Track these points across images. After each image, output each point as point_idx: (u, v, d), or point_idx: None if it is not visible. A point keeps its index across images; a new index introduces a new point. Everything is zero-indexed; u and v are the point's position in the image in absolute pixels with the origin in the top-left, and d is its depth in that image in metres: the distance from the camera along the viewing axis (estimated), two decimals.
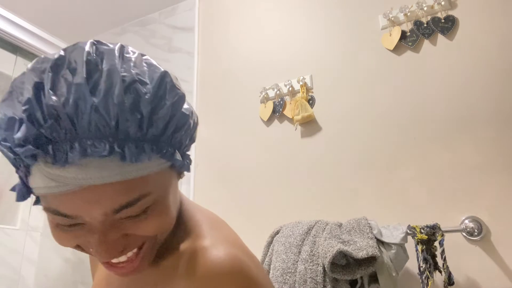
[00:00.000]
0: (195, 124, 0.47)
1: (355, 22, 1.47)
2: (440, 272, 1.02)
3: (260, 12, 1.72)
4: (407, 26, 1.36)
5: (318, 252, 1.06)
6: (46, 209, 0.40)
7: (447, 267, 1.01)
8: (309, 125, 1.45)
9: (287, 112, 1.50)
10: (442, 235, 1.02)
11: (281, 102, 1.52)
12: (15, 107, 0.36)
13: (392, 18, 1.38)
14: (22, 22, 1.14)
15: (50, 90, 0.35)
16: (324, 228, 1.12)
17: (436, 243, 1.03)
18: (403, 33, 1.35)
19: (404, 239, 1.04)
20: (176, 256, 0.48)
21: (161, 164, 0.42)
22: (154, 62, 0.42)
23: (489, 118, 1.16)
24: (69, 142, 0.35)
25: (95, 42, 0.39)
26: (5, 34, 1.09)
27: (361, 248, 0.99)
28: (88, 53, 0.37)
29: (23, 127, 0.34)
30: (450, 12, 1.30)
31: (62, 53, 0.38)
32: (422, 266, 1.00)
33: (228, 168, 1.58)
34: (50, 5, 2.00)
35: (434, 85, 1.27)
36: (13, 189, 0.42)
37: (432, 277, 1.00)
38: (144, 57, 0.42)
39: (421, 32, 1.32)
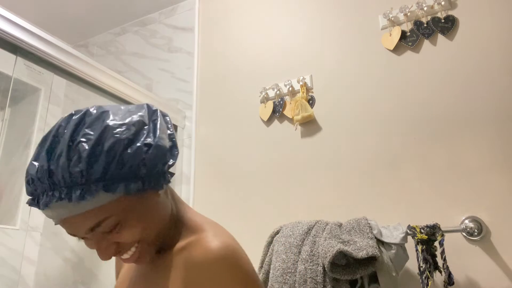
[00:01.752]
0: (152, 153, 0.56)
1: (355, 22, 1.47)
2: (440, 272, 1.02)
3: (260, 12, 1.72)
4: (407, 26, 1.36)
5: (318, 252, 1.06)
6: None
7: (447, 267, 1.01)
8: (309, 125, 1.45)
9: (287, 112, 1.50)
10: (442, 235, 1.02)
11: (281, 102, 1.52)
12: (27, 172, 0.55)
13: (392, 18, 1.38)
14: (22, 22, 1.14)
15: (30, 164, 0.54)
16: (324, 228, 1.12)
17: (436, 243, 1.03)
18: (403, 33, 1.35)
19: (404, 239, 1.04)
20: (181, 248, 0.61)
21: (111, 196, 0.53)
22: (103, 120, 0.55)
23: (489, 118, 1.16)
24: (40, 196, 0.53)
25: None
26: (5, 34, 1.08)
27: (361, 248, 0.99)
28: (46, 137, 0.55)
29: (26, 185, 0.55)
30: (450, 12, 1.30)
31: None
32: (422, 266, 1.00)
33: (228, 168, 1.58)
34: (50, 5, 2.00)
35: (434, 85, 1.27)
36: None
37: (432, 277, 1.00)
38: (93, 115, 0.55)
39: (421, 32, 1.32)
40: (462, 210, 1.13)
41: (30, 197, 0.55)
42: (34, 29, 1.16)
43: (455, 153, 1.18)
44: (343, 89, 1.43)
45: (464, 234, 1.11)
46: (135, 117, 0.57)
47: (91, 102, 2.06)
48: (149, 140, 0.56)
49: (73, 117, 0.55)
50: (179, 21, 1.96)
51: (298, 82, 1.50)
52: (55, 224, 0.56)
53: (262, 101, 1.57)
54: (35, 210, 1.96)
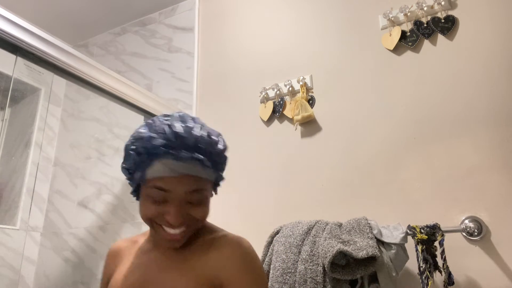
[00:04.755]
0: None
1: (355, 22, 1.47)
2: (440, 272, 1.02)
3: (260, 12, 1.72)
4: (407, 26, 1.36)
5: (318, 252, 1.06)
6: (153, 187, 0.71)
7: (447, 267, 1.01)
8: (309, 125, 1.45)
9: (287, 112, 1.50)
10: (442, 235, 1.02)
11: (281, 102, 1.52)
12: (153, 132, 0.71)
13: (392, 18, 1.38)
14: (22, 22, 1.14)
15: (177, 126, 0.71)
16: (324, 228, 1.12)
17: (436, 243, 1.03)
18: (403, 33, 1.35)
19: (404, 239, 1.04)
20: (204, 241, 0.79)
21: (211, 177, 0.77)
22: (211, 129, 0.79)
23: (489, 118, 1.16)
24: (183, 150, 0.70)
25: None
26: (5, 34, 1.08)
27: (361, 248, 0.99)
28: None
29: (162, 140, 0.70)
30: (450, 12, 1.30)
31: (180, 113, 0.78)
32: (422, 266, 1.00)
33: (228, 168, 1.57)
34: (50, 5, 2.00)
35: (434, 85, 1.27)
36: (132, 192, 0.79)
37: (432, 277, 1.00)
38: (207, 127, 0.78)
39: (421, 32, 1.32)
40: (462, 210, 1.13)
41: (164, 148, 0.70)
42: (34, 29, 1.16)
43: (455, 153, 1.18)
44: (343, 89, 1.43)
45: (464, 234, 1.11)
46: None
47: (91, 102, 2.08)
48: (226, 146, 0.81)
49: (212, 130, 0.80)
50: (179, 21, 1.96)
51: (298, 82, 1.50)
52: (171, 176, 0.71)
53: (262, 101, 1.57)
54: (35, 210, 1.96)
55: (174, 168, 0.70)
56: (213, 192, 0.83)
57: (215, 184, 0.82)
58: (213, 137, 0.75)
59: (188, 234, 0.76)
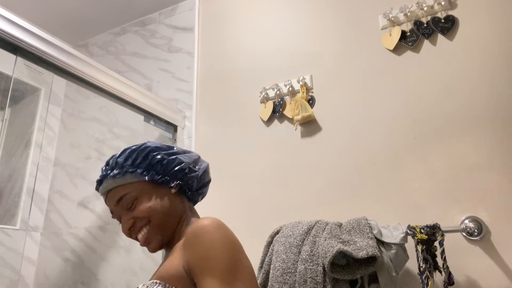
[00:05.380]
0: (171, 160, 0.86)
1: (355, 22, 1.47)
2: (440, 272, 1.02)
3: (260, 12, 1.72)
4: (407, 26, 1.36)
5: (318, 252, 1.06)
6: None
7: (447, 267, 1.01)
8: (309, 125, 1.45)
9: (287, 112, 1.50)
10: (442, 235, 1.02)
11: (281, 102, 1.52)
12: None
13: (392, 18, 1.38)
14: (22, 22, 1.14)
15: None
16: (324, 228, 1.12)
17: (436, 243, 1.03)
18: (403, 33, 1.35)
19: (404, 239, 1.04)
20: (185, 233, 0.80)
21: (134, 178, 0.83)
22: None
23: (489, 118, 1.16)
24: (99, 177, 0.87)
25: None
26: (5, 34, 1.08)
27: (361, 248, 0.99)
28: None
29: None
30: (450, 12, 1.30)
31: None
32: (422, 266, 1.00)
33: (228, 168, 1.58)
34: (50, 5, 2.00)
35: (434, 85, 1.27)
36: None
37: (432, 277, 1.00)
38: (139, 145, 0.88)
39: (421, 32, 1.32)
40: (462, 210, 1.13)
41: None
42: (34, 29, 1.16)
43: (455, 153, 1.18)
44: (343, 89, 1.43)
45: (464, 234, 1.11)
46: (172, 144, 0.88)
47: (91, 102, 2.08)
48: (172, 152, 0.87)
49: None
50: (179, 21, 1.96)
51: (298, 82, 1.50)
52: (104, 201, 0.85)
53: (262, 101, 1.57)
54: (35, 210, 1.97)
55: (100, 193, 0.86)
56: (173, 186, 0.86)
57: (160, 181, 0.85)
58: (126, 149, 0.86)
59: (157, 235, 0.83)
